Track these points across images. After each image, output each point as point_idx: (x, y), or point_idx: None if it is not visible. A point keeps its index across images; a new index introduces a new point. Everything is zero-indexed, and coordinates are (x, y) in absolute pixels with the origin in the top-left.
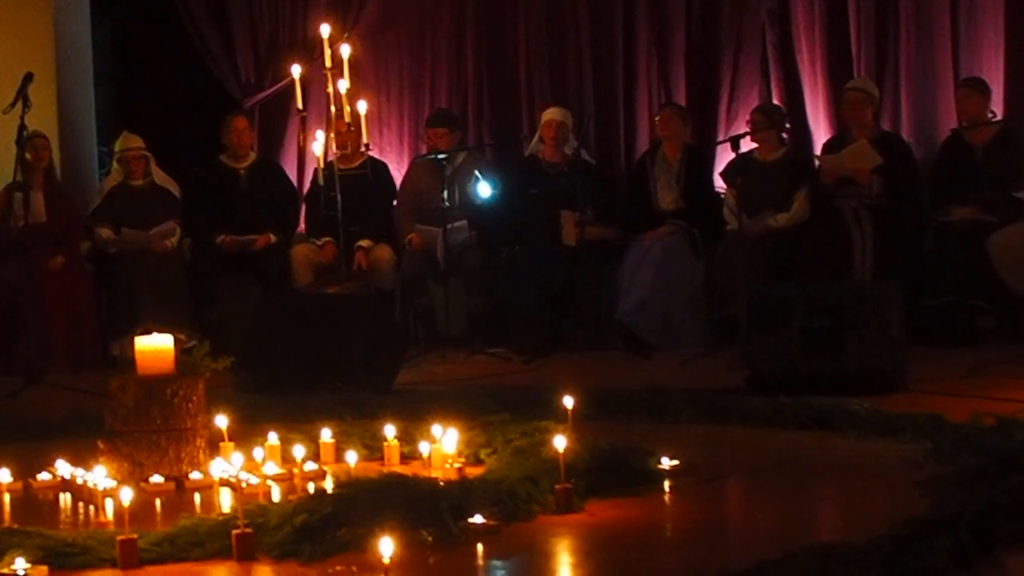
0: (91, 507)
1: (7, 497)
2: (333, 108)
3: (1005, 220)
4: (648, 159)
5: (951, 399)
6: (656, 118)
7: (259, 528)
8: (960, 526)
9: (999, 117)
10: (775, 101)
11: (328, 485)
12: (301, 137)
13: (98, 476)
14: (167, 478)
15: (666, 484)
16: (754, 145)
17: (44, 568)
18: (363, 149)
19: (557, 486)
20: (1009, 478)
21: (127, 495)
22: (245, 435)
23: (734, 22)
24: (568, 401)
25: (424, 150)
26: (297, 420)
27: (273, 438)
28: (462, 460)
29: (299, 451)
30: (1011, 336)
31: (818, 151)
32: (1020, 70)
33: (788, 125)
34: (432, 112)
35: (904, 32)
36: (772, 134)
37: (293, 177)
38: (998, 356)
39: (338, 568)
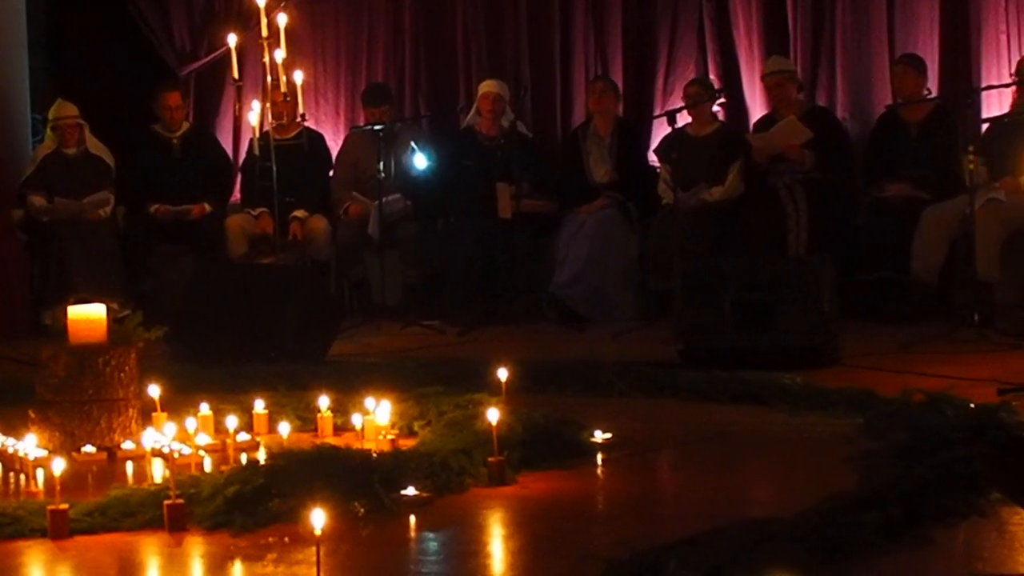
0: (22, 477)
1: None
2: (269, 78)
3: (938, 197)
4: (580, 133)
5: (882, 374)
6: (589, 93)
7: (191, 499)
8: (889, 501)
9: (934, 94)
10: (711, 75)
11: (261, 456)
12: (237, 107)
13: (29, 446)
14: (99, 448)
15: (599, 457)
16: (689, 120)
17: None
18: (299, 119)
19: (490, 458)
20: (938, 454)
21: (58, 465)
22: (178, 405)
23: None
24: (502, 373)
25: (362, 122)
26: (230, 390)
27: (206, 408)
28: (395, 432)
29: (232, 422)
30: (942, 312)
31: (753, 127)
32: (955, 48)
33: (723, 99)
34: (367, 89)
35: (840, 8)
36: (707, 108)
37: (228, 147)
38: (929, 332)
39: (270, 539)
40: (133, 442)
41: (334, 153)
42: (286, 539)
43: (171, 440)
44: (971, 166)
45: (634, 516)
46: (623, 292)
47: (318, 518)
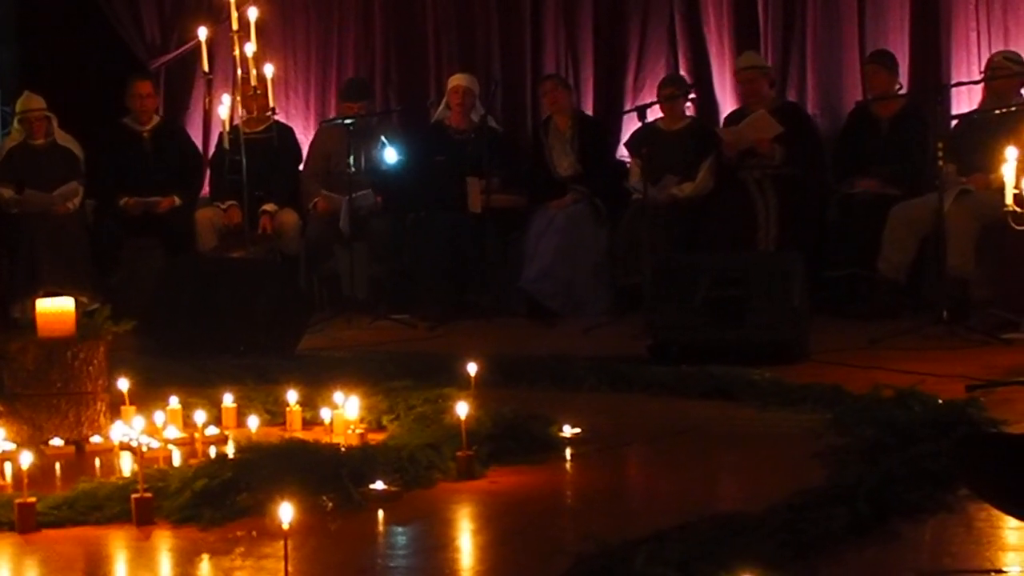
0: None
1: None
2: (239, 71)
3: (908, 193)
4: (542, 129)
5: (851, 370)
6: (540, 94)
7: (159, 492)
8: (857, 496)
9: (905, 90)
10: (682, 71)
11: (229, 450)
12: (207, 100)
13: None
14: (67, 441)
15: (567, 452)
16: (659, 114)
17: None
18: (269, 113)
19: (459, 453)
20: (906, 450)
21: (26, 458)
22: (146, 399)
23: None
24: (471, 368)
25: (333, 115)
26: (199, 384)
27: (174, 402)
28: (364, 426)
29: (200, 416)
30: (912, 308)
31: (724, 121)
32: (925, 44)
33: (694, 96)
34: (346, 84)
35: (811, 3)
36: (680, 104)
37: (198, 140)
38: (898, 328)
39: (238, 533)
40: (101, 436)
41: (304, 147)
42: (254, 533)
43: (139, 434)
44: (940, 162)
45: (603, 511)
46: (593, 287)
47: (286, 512)
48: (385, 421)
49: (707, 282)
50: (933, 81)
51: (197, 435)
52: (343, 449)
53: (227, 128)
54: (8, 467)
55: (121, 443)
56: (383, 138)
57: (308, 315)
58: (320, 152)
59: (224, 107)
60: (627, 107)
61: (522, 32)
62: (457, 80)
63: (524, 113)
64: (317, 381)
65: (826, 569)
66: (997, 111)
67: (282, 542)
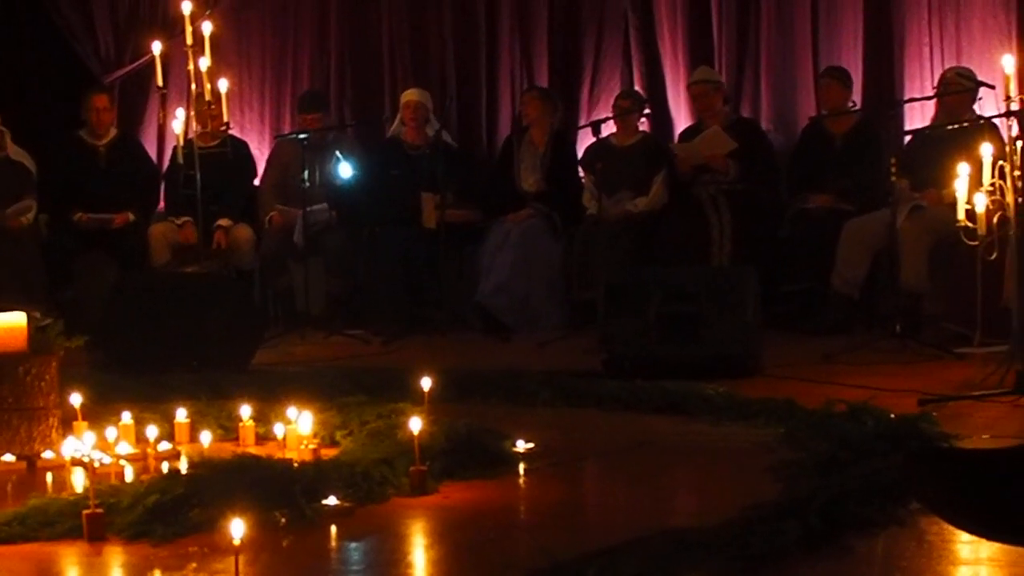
0: None
1: None
2: (194, 86)
3: (861, 209)
4: (515, 140)
5: (805, 385)
6: (519, 104)
7: (111, 508)
8: (809, 510)
9: (858, 107)
10: (637, 86)
11: (182, 465)
12: (161, 115)
13: None
14: (18, 457)
15: (521, 467)
16: (613, 129)
17: None
18: (223, 128)
19: (412, 468)
20: (859, 464)
21: None
22: (99, 414)
23: (596, 6)
24: (425, 383)
25: (288, 130)
26: (152, 399)
27: (127, 417)
28: (317, 441)
29: (153, 431)
30: (865, 323)
31: (679, 137)
32: (878, 61)
33: (648, 111)
34: (302, 95)
35: (765, 20)
36: (633, 119)
37: (152, 155)
38: (851, 343)
39: (190, 549)
40: (53, 451)
41: (259, 161)
42: (206, 549)
43: (91, 449)
44: (894, 178)
45: (556, 526)
46: (548, 302)
47: (238, 528)
48: (338, 436)
49: (661, 297)
50: (886, 97)
51: (150, 450)
52: (296, 465)
53: (181, 143)
54: None
55: (73, 459)
56: (338, 153)
57: (262, 330)
58: (278, 165)
59: (178, 122)
60: (582, 122)
61: (477, 48)
62: (409, 96)
63: (479, 128)
64: (270, 396)
65: None
66: (949, 127)
67: (234, 558)
